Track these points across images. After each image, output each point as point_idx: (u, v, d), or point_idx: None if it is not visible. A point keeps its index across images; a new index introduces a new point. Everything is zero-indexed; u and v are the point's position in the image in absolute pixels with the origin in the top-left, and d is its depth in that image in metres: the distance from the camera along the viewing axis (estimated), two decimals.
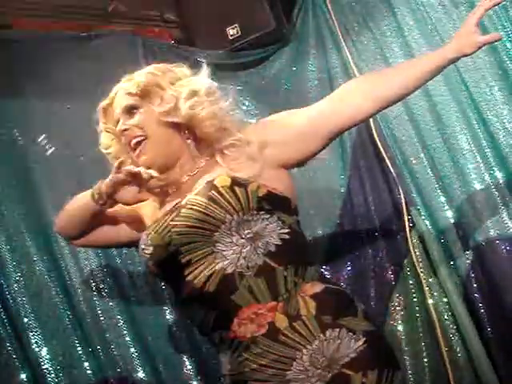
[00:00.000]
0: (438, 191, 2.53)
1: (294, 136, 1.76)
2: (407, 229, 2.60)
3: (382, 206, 2.67)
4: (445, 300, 2.51)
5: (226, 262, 1.62)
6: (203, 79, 1.82)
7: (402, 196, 2.63)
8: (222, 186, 1.64)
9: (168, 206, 1.76)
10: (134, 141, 1.79)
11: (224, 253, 1.63)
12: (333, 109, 1.77)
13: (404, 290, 2.55)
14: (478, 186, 2.42)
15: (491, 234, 2.37)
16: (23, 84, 2.41)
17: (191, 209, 1.65)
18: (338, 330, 1.59)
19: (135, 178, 1.72)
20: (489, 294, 2.40)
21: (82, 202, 1.89)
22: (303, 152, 1.79)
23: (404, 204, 2.62)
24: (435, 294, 2.54)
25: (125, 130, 1.81)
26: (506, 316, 2.33)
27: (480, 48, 1.73)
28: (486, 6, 1.75)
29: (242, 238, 1.63)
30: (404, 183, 2.62)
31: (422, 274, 2.56)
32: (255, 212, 1.64)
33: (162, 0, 3.02)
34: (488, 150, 2.39)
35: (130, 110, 1.81)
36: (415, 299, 2.54)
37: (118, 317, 2.25)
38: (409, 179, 2.61)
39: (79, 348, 2.15)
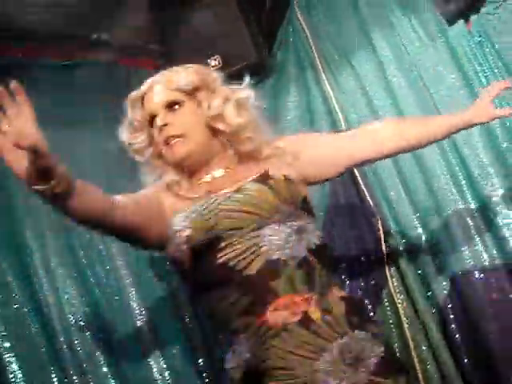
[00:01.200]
0: (416, 223, 2.56)
1: (322, 156, 1.88)
2: (385, 260, 2.62)
3: (360, 237, 2.69)
4: (422, 330, 2.53)
5: (273, 246, 1.65)
6: (247, 90, 1.89)
7: (380, 227, 2.65)
8: (278, 177, 1.73)
9: (201, 192, 1.76)
10: (174, 140, 1.78)
11: (270, 237, 1.66)
12: (360, 143, 1.91)
13: (382, 320, 2.56)
14: (454, 218, 2.45)
15: (467, 264, 2.40)
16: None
17: (247, 194, 1.69)
18: (364, 332, 1.64)
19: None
20: (465, 324, 2.41)
21: None
22: (325, 173, 1.91)
23: (382, 235, 2.64)
24: (413, 324, 2.55)
25: (165, 124, 1.79)
26: (482, 345, 2.34)
27: (494, 119, 1.93)
28: (501, 87, 1.94)
29: (289, 228, 1.68)
30: (382, 215, 2.65)
31: (399, 305, 2.57)
32: (300, 209, 1.74)
33: (145, 29, 3.03)
34: (463, 181, 2.44)
35: (172, 106, 1.81)
36: (393, 329, 2.55)
37: (96, 347, 2.22)
38: (387, 211, 2.64)
39: (55, 380, 2.10)
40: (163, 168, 1.87)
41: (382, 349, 1.63)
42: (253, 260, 1.63)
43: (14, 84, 1.27)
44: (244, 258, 1.64)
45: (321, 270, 1.69)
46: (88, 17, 2.79)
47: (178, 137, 1.79)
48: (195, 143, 1.80)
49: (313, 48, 2.89)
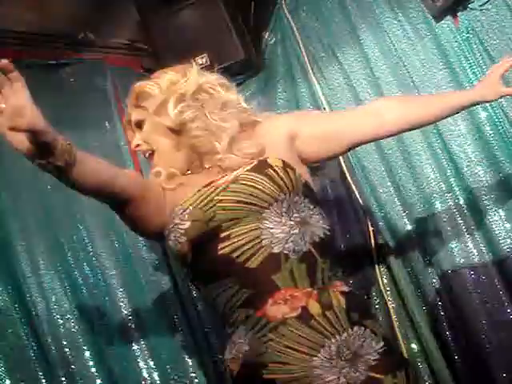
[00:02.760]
0: (405, 220, 2.56)
1: (322, 134, 1.82)
2: (375, 258, 2.62)
3: (349, 234, 2.69)
4: (412, 327, 2.53)
5: (275, 240, 1.61)
6: (193, 80, 1.80)
7: (370, 225, 2.65)
8: (276, 165, 1.68)
9: (198, 184, 1.71)
10: (146, 155, 1.83)
11: (271, 230, 1.62)
12: (362, 121, 1.85)
13: None
14: (443, 215, 2.45)
15: (457, 261, 2.40)
16: None
17: (244, 184, 1.65)
18: (363, 328, 1.61)
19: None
20: (455, 321, 2.42)
21: None
22: (325, 152, 1.85)
23: (371, 233, 2.64)
24: (403, 322, 2.56)
25: (136, 146, 1.83)
26: (473, 343, 2.35)
27: (501, 97, 1.86)
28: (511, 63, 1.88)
29: (291, 220, 1.64)
30: (371, 212, 2.65)
31: (389, 303, 2.58)
32: (302, 197, 1.69)
33: (131, 28, 3.02)
34: (452, 179, 2.44)
35: (139, 125, 1.82)
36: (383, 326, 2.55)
37: (84, 348, 2.20)
38: (376, 208, 2.64)
39: (44, 380, 2.09)
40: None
41: (381, 344, 1.61)
42: (254, 253, 1.61)
43: (4, 62, 1.26)
44: (245, 251, 1.61)
45: (323, 264, 1.66)
46: (74, 16, 2.77)
47: (148, 152, 1.82)
48: (164, 152, 1.79)
49: (300, 45, 2.89)
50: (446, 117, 1.93)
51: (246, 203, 1.64)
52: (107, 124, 2.70)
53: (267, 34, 3.03)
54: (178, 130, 1.77)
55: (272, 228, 1.62)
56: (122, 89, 2.72)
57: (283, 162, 1.70)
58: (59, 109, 2.47)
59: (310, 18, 2.88)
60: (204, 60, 2.83)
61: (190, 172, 1.81)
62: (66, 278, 2.30)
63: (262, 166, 1.68)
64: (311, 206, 1.70)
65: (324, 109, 2.78)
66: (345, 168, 2.70)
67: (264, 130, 1.82)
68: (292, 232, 1.63)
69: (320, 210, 1.74)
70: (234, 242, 1.62)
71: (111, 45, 2.94)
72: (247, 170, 1.68)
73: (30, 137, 1.31)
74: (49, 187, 2.36)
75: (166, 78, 1.82)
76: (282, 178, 1.66)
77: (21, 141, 1.33)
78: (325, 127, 1.84)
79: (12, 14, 2.54)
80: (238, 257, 1.61)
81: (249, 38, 2.97)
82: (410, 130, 1.95)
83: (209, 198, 1.66)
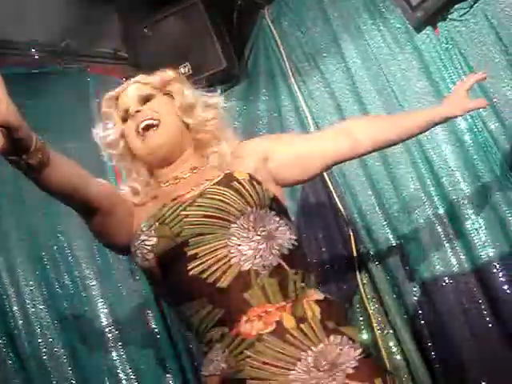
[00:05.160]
0: (386, 229, 2.58)
1: (296, 157, 1.83)
2: (356, 266, 2.63)
3: (332, 243, 2.70)
4: (394, 336, 2.54)
5: (243, 257, 1.60)
6: (217, 97, 1.89)
7: (352, 234, 2.66)
8: (243, 178, 1.68)
9: (165, 199, 1.72)
10: (145, 123, 1.78)
11: (239, 247, 1.61)
12: (334, 142, 1.86)
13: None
14: (423, 224, 2.46)
15: (436, 270, 2.42)
16: None
17: (211, 198, 1.64)
18: (340, 336, 1.60)
19: None
20: (436, 329, 2.43)
21: None
22: (298, 175, 1.85)
23: (353, 242, 2.65)
24: (384, 330, 2.56)
25: (138, 111, 1.80)
26: (452, 350, 2.36)
27: (468, 112, 1.91)
28: (476, 79, 1.92)
29: (258, 235, 1.63)
30: (353, 221, 2.66)
31: (371, 311, 2.59)
32: (268, 210, 1.68)
33: (113, 37, 3.02)
34: (432, 188, 2.45)
35: (146, 100, 1.82)
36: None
37: (63, 359, 2.20)
38: (357, 218, 2.65)
39: None
40: (132, 166, 1.86)
41: (359, 351, 1.60)
42: (224, 272, 1.60)
43: None
44: (215, 271, 1.60)
45: (295, 275, 1.65)
46: (57, 25, 2.77)
47: (153, 125, 1.78)
48: (168, 132, 1.80)
49: (283, 55, 2.90)
50: (417, 134, 1.95)
51: (213, 217, 1.63)
52: (89, 132, 2.69)
53: (249, 43, 3.04)
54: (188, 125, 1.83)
55: (240, 245, 1.61)
56: (103, 98, 2.71)
57: (249, 175, 1.70)
58: (41, 117, 2.46)
59: (292, 28, 2.89)
60: (186, 69, 2.83)
61: (166, 184, 1.82)
62: (46, 288, 2.29)
63: (228, 180, 1.68)
64: (277, 219, 1.70)
65: (306, 117, 2.79)
66: (327, 178, 2.71)
67: (239, 152, 1.83)
68: (259, 247, 1.62)
69: (287, 221, 1.74)
70: (202, 262, 1.61)
71: (93, 53, 2.94)
72: (213, 184, 1.68)
73: (4, 132, 1.32)
74: (29, 198, 2.35)
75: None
76: (248, 191, 1.66)
77: None
78: (298, 150, 1.85)
79: None
80: (207, 277, 1.60)
81: (231, 48, 2.97)
82: (382, 149, 1.98)
83: (175, 214, 1.65)
